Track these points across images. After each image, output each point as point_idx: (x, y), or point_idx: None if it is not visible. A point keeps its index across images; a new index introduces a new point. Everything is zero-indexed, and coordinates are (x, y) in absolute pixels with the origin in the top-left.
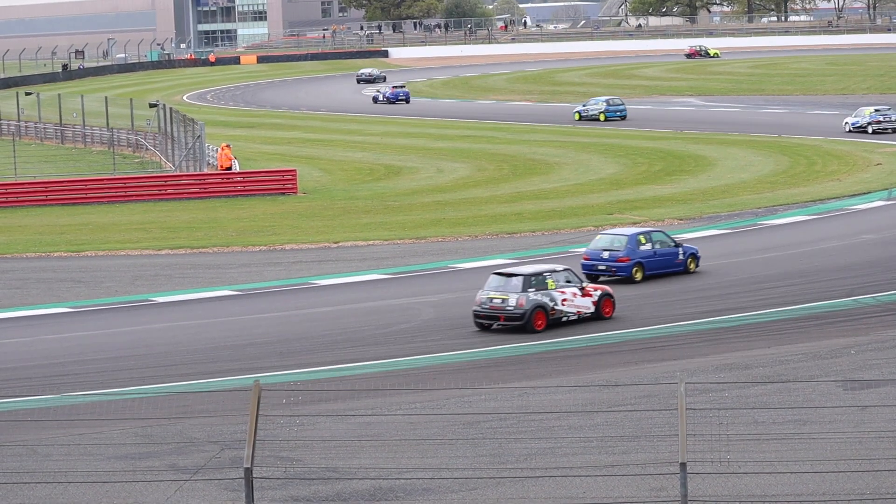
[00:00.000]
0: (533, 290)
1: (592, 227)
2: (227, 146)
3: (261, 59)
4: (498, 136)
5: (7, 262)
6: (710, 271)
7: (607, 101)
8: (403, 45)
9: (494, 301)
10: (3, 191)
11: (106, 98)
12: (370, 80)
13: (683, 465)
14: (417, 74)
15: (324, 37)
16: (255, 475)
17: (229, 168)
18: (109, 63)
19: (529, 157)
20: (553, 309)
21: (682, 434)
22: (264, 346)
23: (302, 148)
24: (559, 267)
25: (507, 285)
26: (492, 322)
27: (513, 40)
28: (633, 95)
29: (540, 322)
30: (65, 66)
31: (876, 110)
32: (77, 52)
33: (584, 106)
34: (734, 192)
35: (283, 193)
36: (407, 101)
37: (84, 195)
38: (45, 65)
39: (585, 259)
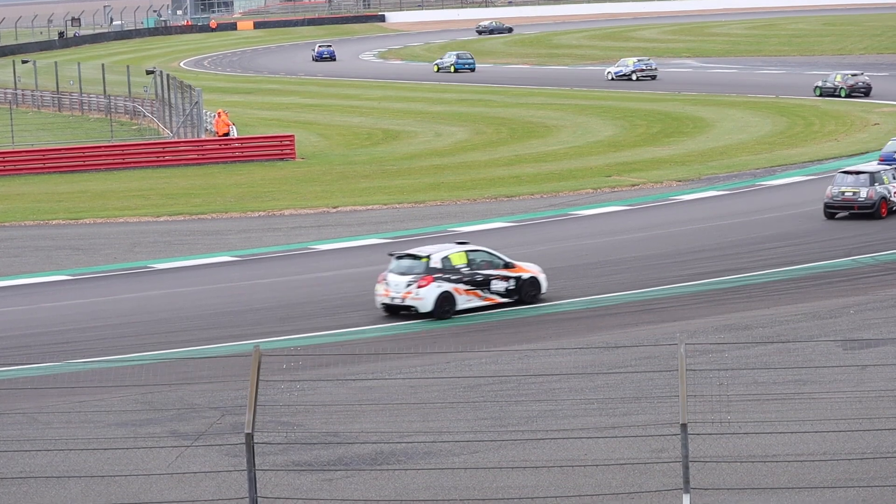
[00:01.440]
0: (877, 184)
1: (591, 189)
2: (225, 112)
3: (258, 25)
4: (496, 100)
5: (5, 230)
6: (710, 231)
7: (457, 56)
8: (400, 10)
9: (846, 194)
10: (1, 159)
11: (103, 65)
12: (490, 31)
13: (684, 426)
14: (414, 38)
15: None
16: (256, 440)
17: (227, 134)
18: (106, 30)
19: (527, 120)
20: (889, 199)
21: (682, 395)
22: (264, 312)
23: (300, 113)
24: (886, 166)
25: (856, 181)
26: (840, 211)
27: (510, 3)
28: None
29: (884, 210)
30: (61, 34)
31: (639, 60)
32: (73, 19)
33: (440, 60)
34: (732, 154)
35: (282, 159)
36: (332, 59)
37: (82, 163)
38: (41, 32)
39: (881, 160)
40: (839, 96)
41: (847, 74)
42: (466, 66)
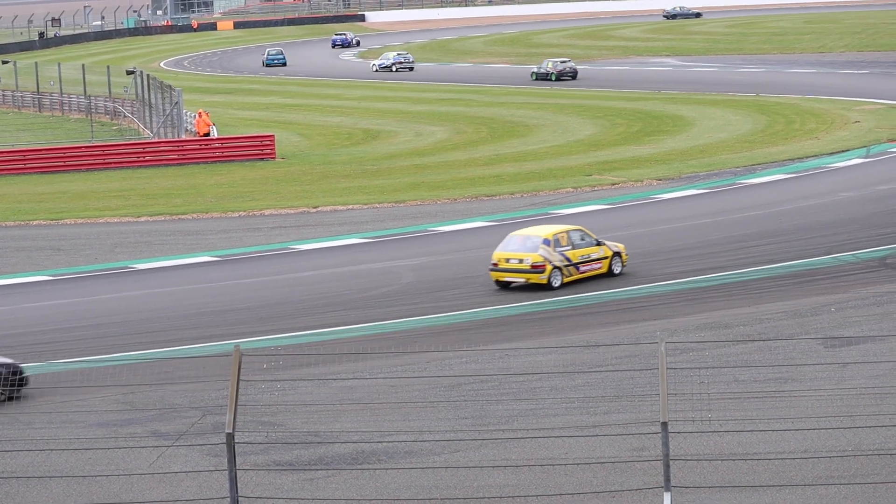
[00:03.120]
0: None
1: (571, 188)
2: (206, 112)
3: (238, 25)
4: (476, 99)
5: None
6: (690, 230)
7: (267, 52)
8: (380, 9)
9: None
10: None
11: (83, 66)
12: (674, 17)
13: (665, 424)
14: (394, 38)
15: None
16: (236, 440)
17: (207, 134)
18: (86, 30)
19: (508, 120)
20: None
21: (663, 393)
22: (245, 312)
23: (280, 113)
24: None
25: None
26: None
27: (490, 2)
28: (611, 56)
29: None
30: (41, 34)
31: (398, 54)
32: (53, 19)
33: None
34: (713, 152)
35: (262, 159)
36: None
37: (62, 163)
38: (21, 33)
39: None
40: (551, 80)
41: (557, 61)
42: (277, 61)
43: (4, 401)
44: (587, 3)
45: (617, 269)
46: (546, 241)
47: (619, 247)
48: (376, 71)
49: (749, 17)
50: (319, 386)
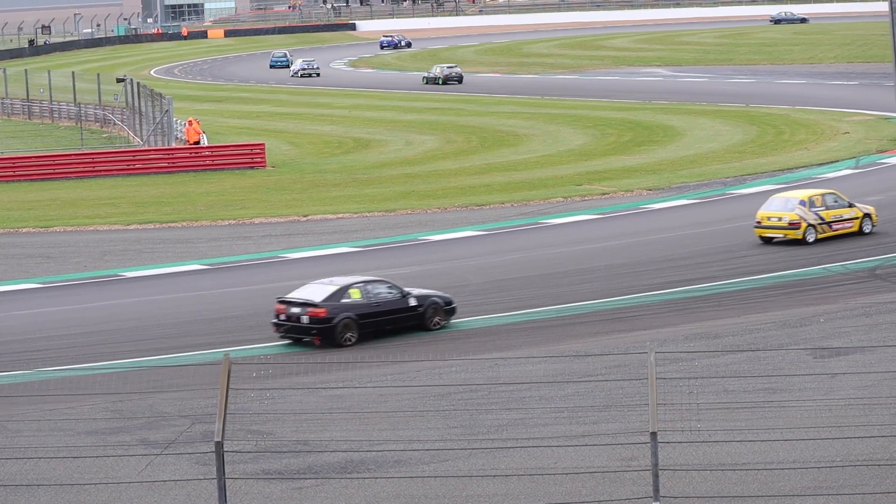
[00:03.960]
0: None
1: (561, 198)
2: (196, 121)
3: (228, 34)
4: (466, 108)
5: None
6: (679, 240)
7: (273, 55)
8: (371, 19)
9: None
10: None
11: (73, 73)
12: (777, 21)
13: (654, 434)
14: (385, 47)
15: (291, 7)
16: (225, 449)
17: (197, 142)
18: (76, 38)
19: (498, 129)
20: None
21: (652, 403)
22: (234, 320)
23: (270, 121)
24: None
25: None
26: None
27: (480, 12)
28: (602, 66)
29: None
30: (31, 42)
31: (304, 61)
32: (43, 27)
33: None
34: (703, 162)
35: (252, 167)
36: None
37: (52, 170)
38: (11, 40)
39: None
40: (438, 83)
41: (444, 67)
42: (280, 63)
43: (439, 329)
44: (578, 13)
45: (867, 229)
46: (802, 202)
47: (870, 209)
48: (292, 76)
49: (740, 27)
50: (309, 395)
